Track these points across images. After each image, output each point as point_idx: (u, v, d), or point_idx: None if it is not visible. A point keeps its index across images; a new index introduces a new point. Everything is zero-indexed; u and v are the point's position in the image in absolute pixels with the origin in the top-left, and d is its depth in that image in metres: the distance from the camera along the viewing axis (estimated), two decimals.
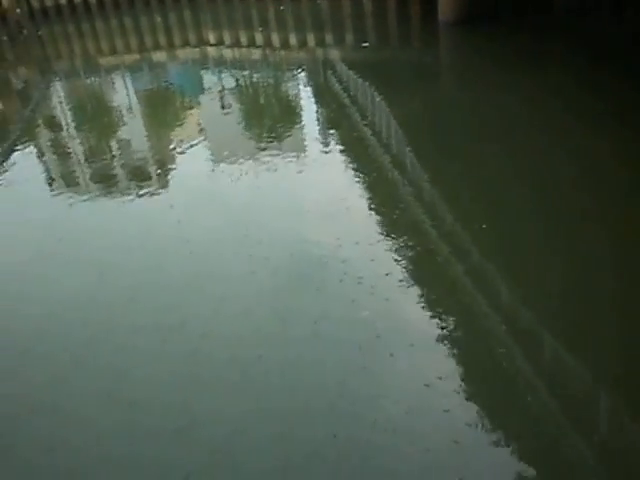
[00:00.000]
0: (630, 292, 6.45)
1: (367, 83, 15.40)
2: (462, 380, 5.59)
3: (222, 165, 11.13)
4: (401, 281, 7.06)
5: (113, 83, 20.51)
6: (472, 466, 4.78)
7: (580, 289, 6.63)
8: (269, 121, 14.45)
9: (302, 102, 15.28)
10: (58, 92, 20.43)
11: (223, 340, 6.49)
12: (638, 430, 5.07)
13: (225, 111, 15.56)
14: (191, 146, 12.53)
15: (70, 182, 11.96)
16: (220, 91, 17.20)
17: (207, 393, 5.79)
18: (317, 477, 4.88)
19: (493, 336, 6.25)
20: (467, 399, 5.39)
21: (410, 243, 7.82)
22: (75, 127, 15.88)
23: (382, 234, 8.15)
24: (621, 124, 10.06)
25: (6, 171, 12.24)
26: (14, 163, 12.75)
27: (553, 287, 6.79)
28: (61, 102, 18.88)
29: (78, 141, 14.69)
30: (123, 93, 19.02)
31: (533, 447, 4.91)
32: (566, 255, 7.25)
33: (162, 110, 16.87)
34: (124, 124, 15.64)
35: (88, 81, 21.71)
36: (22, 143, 14.34)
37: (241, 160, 11.15)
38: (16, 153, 13.47)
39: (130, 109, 16.84)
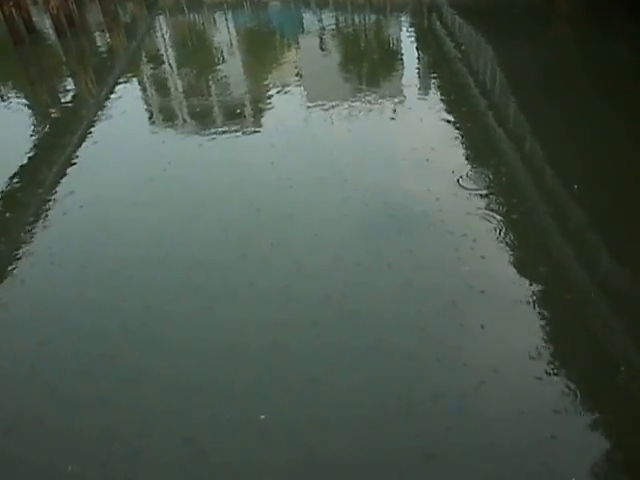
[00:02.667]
0: None
1: (473, 28, 14.73)
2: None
3: (318, 108, 11.04)
4: (496, 238, 6.87)
5: (215, 20, 20.63)
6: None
7: None
8: (368, 65, 14.16)
9: (403, 46, 14.86)
10: (162, 27, 20.81)
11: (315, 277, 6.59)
12: None
13: (324, 53, 15.37)
14: (288, 87, 12.50)
15: (170, 117, 12.26)
16: (320, 33, 16.97)
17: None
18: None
19: (586, 301, 6.00)
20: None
21: (506, 199, 7.55)
22: (176, 63, 16.17)
23: (478, 188, 7.89)
24: None
25: (111, 103, 12.68)
26: (120, 96, 13.18)
27: None
28: (164, 38, 19.25)
29: (178, 77, 14.96)
30: (224, 31, 19.13)
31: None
32: None
33: (261, 49, 16.86)
34: (223, 62, 15.76)
35: (191, 17, 21.95)
36: (126, 77, 14.76)
37: (337, 104, 11.03)
38: (120, 86, 13.90)
39: (230, 47, 16.93)
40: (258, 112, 11.73)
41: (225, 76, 14.43)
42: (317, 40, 16.42)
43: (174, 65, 15.96)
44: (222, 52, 16.54)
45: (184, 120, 12.18)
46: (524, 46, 12.95)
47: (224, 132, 10.68)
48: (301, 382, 5.31)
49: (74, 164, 9.91)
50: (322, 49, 15.62)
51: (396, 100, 11.12)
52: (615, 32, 12.50)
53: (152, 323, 6.19)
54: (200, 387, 5.38)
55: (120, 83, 14.10)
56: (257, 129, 10.77)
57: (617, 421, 4.73)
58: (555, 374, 5.12)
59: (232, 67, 15.24)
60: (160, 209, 8.25)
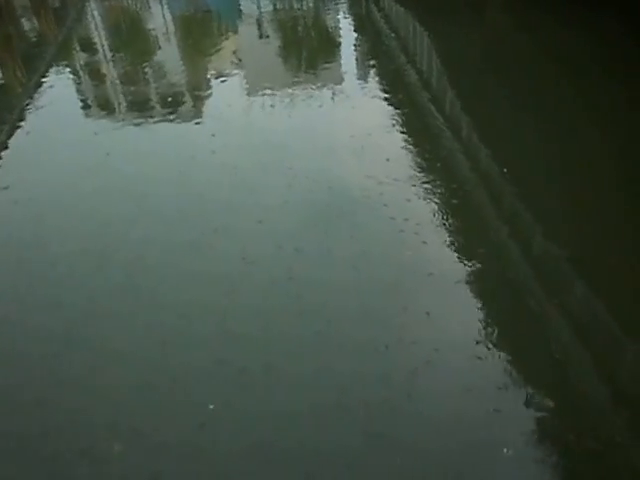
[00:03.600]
0: None
1: (409, 14, 14.90)
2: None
3: (258, 95, 10.99)
4: (437, 222, 7.05)
5: (149, 5, 20.15)
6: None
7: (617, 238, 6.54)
8: (307, 51, 14.16)
9: (341, 33, 14.90)
10: (94, 12, 20.17)
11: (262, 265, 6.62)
12: None
13: (263, 39, 15.27)
14: (228, 74, 12.38)
15: (106, 106, 11.96)
16: (258, 19, 16.83)
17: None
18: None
19: (524, 279, 6.24)
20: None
21: (445, 183, 7.73)
22: (110, 49, 15.74)
23: (418, 172, 8.06)
24: None
25: (42, 92, 12.26)
26: (51, 85, 12.75)
27: (582, 227, 6.72)
28: (96, 23, 18.68)
29: (113, 64, 14.59)
30: (159, 17, 18.71)
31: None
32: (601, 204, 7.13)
33: (199, 36, 16.60)
34: (160, 49, 15.45)
35: (124, 2, 21.37)
36: (57, 64, 14.29)
37: (278, 91, 11.01)
38: (51, 73, 13.44)
39: (166, 34, 16.60)
40: (198, 100, 11.58)
41: (162, 63, 14.16)
42: (256, 26, 16.30)
43: (108, 52, 15.53)
44: (158, 39, 16.21)
45: (121, 109, 11.91)
46: (460, 32, 13.20)
47: (163, 121, 10.51)
48: (249, 370, 5.34)
49: (5, 157, 9.57)
50: (261, 35, 15.52)
51: (336, 87, 11.18)
52: (549, 19, 12.87)
53: (95, 322, 6.07)
54: (140, 385, 5.34)
55: (51, 71, 13.64)
56: (197, 118, 10.63)
57: (552, 393, 4.95)
58: (498, 351, 5.30)
59: (169, 54, 14.96)
60: (100, 202, 8.07)
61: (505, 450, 4.49)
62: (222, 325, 5.82)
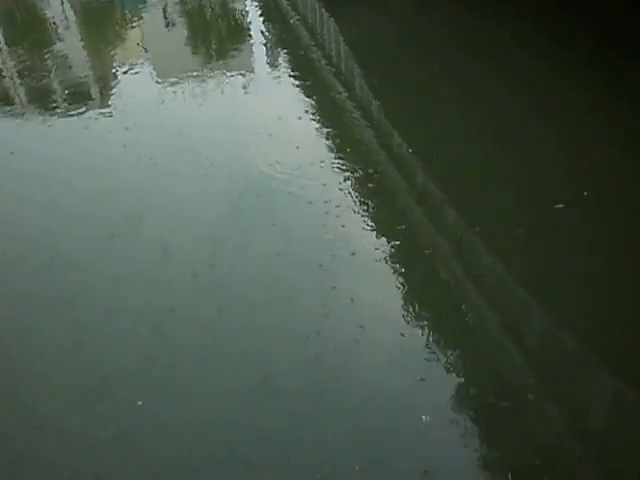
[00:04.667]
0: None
1: (315, 1, 15.00)
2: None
3: (168, 85, 10.84)
4: (355, 204, 7.24)
5: None
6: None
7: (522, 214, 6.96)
8: (216, 39, 14.03)
9: (249, 20, 14.84)
10: None
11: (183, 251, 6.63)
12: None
13: (169, 27, 14.98)
14: (135, 64, 12.09)
15: (5, 101, 11.42)
16: (164, 5, 16.45)
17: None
18: None
19: (441, 255, 6.56)
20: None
21: (358, 166, 7.94)
22: (5, 39, 14.97)
23: (332, 155, 8.23)
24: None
25: None
26: None
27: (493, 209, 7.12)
28: None
29: (9, 56, 13.90)
30: (57, 4, 17.92)
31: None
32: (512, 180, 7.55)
33: (102, 25, 16.08)
34: (61, 39, 14.86)
35: None
36: None
37: (188, 80, 10.89)
38: None
39: (66, 22, 15.96)
40: (106, 93, 11.26)
41: (64, 54, 13.64)
42: (161, 14, 15.93)
43: (2, 42, 14.77)
44: (58, 28, 15.56)
45: (22, 105, 11.41)
46: (365, 17, 13.43)
47: (70, 116, 10.18)
48: (177, 366, 5.38)
49: None
50: (167, 24, 15.21)
51: (246, 74, 11.17)
52: (448, 2, 13.29)
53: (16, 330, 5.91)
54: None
55: None
56: (106, 111, 10.36)
57: (471, 359, 5.27)
58: (423, 323, 5.58)
59: (71, 44, 14.42)
60: (7, 205, 7.78)
61: (424, 417, 4.74)
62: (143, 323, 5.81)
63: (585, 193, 6.92)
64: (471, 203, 7.16)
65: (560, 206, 6.72)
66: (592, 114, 8.45)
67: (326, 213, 7.06)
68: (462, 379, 5.10)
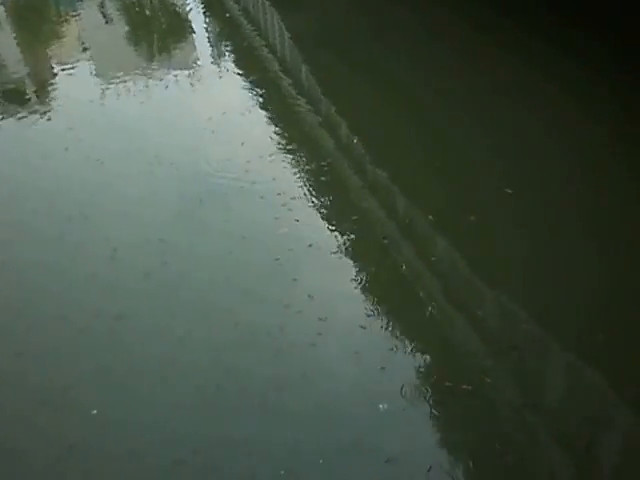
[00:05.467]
0: None
1: None
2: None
3: (110, 83, 10.55)
4: (308, 196, 7.21)
5: None
6: None
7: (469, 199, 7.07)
8: (157, 34, 13.73)
9: (191, 13, 14.55)
10: None
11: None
12: None
13: (108, 24, 14.57)
14: (75, 63, 11.72)
15: None
16: (100, 2, 15.98)
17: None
18: None
19: (397, 243, 6.60)
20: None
21: (308, 158, 7.92)
22: None
23: (281, 149, 8.18)
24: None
25: None
26: None
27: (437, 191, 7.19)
28: None
29: None
30: None
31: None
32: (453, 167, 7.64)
33: (36, 22, 15.49)
34: None
35: None
36: None
37: (131, 77, 10.65)
38: None
39: None
40: (44, 92, 10.89)
41: None
42: (98, 10, 15.48)
43: None
44: None
45: None
46: (308, 8, 13.37)
47: (7, 117, 9.80)
48: (138, 370, 5.28)
49: None
50: (106, 20, 14.80)
51: (190, 69, 10.99)
52: None
53: None
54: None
55: None
56: (46, 111, 10.02)
57: (429, 346, 5.34)
58: (383, 313, 5.61)
59: (4, 43, 13.86)
60: None
61: (381, 406, 4.79)
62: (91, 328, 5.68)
63: (534, 177, 7.09)
64: (422, 190, 7.24)
65: (509, 191, 6.85)
66: (542, 88, 8.61)
67: (279, 207, 7.02)
68: (422, 365, 5.16)
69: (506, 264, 6.08)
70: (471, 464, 4.48)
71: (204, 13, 14.44)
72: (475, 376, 5.03)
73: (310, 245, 6.41)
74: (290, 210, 6.96)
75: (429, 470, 4.37)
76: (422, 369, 5.14)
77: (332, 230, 6.67)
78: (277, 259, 6.26)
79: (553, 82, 8.63)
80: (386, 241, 6.57)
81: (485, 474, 4.49)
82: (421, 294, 5.93)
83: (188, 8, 14.93)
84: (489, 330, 5.58)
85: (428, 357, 5.24)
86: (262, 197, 7.20)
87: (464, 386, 4.89)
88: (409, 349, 5.30)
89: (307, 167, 7.76)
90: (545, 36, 9.55)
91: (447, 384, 4.95)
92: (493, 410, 4.86)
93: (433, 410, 4.78)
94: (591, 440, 4.63)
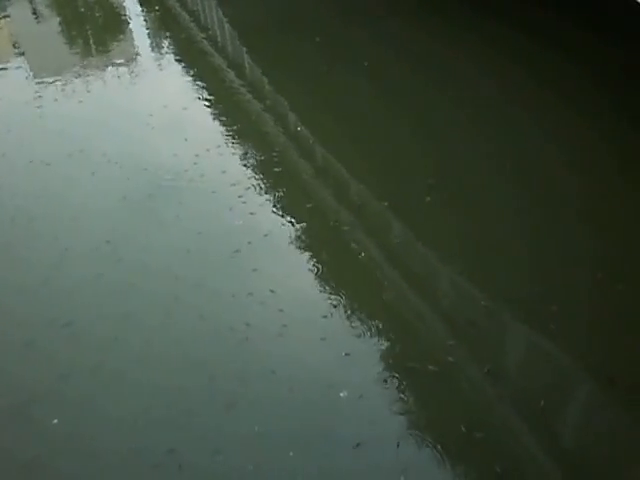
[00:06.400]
0: None
1: None
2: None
3: (48, 82, 10.20)
4: (260, 188, 7.15)
5: None
6: None
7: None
8: (93, 29, 13.32)
9: (126, 6, 14.17)
10: None
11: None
12: None
13: (39, 21, 14.06)
14: (7, 62, 11.28)
15: None
16: None
17: None
18: None
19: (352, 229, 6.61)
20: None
21: (257, 148, 7.84)
22: None
23: (227, 140, 8.08)
24: None
25: None
26: None
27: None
28: None
29: None
30: None
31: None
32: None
33: None
34: None
35: None
36: None
37: (67, 75, 10.32)
38: None
39: None
40: None
41: None
42: (28, 6, 14.91)
43: None
44: None
45: None
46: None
47: None
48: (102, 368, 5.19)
49: None
50: (36, 16, 14.26)
51: (129, 64, 10.74)
52: None
53: None
54: None
55: None
56: None
57: (391, 329, 5.39)
58: (344, 302, 5.62)
59: None
60: None
61: (342, 394, 4.81)
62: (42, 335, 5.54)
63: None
64: (374, 175, 7.26)
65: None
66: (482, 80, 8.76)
67: (231, 199, 6.94)
68: (386, 349, 5.20)
69: (462, 244, 6.16)
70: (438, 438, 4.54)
71: (140, 5, 14.09)
72: (439, 356, 5.08)
73: (266, 235, 6.39)
74: (244, 203, 6.89)
75: (398, 446, 4.46)
76: (387, 351, 5.17)
77: (287, 219, 6.64)
78: (237, 251, 6.21)
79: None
80: (344, 227, 6.55)
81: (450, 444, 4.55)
82: (379, 277, 5.96)
83: (123, 1, 14.55)
84: (447, 309, 5.65)
85: (392, 340, 5.27)
86: (214, 192, 7.10)
87: (430, 366, 4.96)
88: (372, 331, 5.33)
89: (257, 157, 7.69)
90: None
91: (411, 364, 5.01)
92: (458, 388, 4.94)
93: (401, 393, 4.83)
94: (548, 405, 4.74)
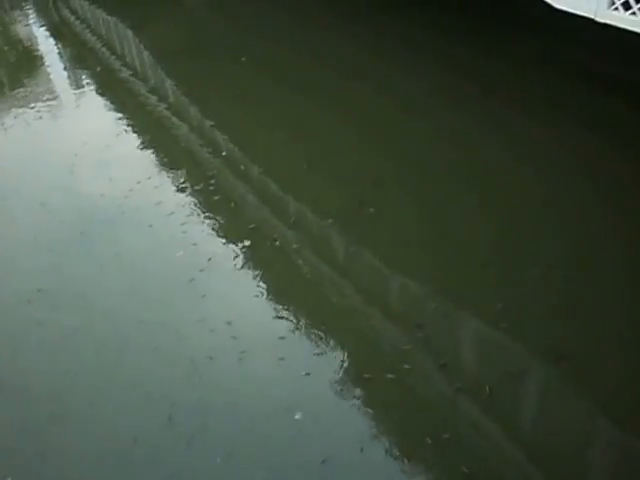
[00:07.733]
0: None
1: (107, 12, 14.29)
2: None
3: None
4: (197, 214, 7.07)
5: None
6: None
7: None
8: (5, 69, 12.88)
9: (40, 42, 13.74)
10: None
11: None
12: None
13: None
14: None
15: None
16: None
17: None
18: None
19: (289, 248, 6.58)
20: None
21: (190, 175, 7.75)
22: None
23: (162, 170, 7.96)
24: None
25: None
26: None
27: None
28: None
29: None
30: None
31: None
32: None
33: None
34: None
35: None
36: None
37: None
38: None
39: None
40: None
41: None
42: None
43: None
44: None
45: None
46: (163, 21, 13.07)
47: None
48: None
49: None
50: None
51: (48, 102, 10.39)
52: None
53: None
54: None
55: None
56: None
57: (346, 342, 5.39)
58: (299, 315, 5.63)
59: None
60: None
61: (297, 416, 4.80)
62: None
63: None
64: (308, 191, 7.26)
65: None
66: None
67: (170, 230, 6.81)
68: (343, 360, 5.19)
69: (407, 249, 6.23)
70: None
71: (54, 41, 13.71)
72: (396, 364, 5.09)
73: (210, 259, 6.32)
74: (184, 233, 6.77)
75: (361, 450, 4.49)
76: (345, 365, 5.16)
77: (229, 243, 6.56)
78: (192, 279, 6.12)
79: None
80: (278, 243, 6.52)
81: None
82: (327, 291, 5.95)
83: (36, 38, 14.14)
84: (399, 315, 5.69)
85: (348, 353, 5.26)
86: (151, 225, 6.95)
87: (387, 374, 4.98)
88: (328, 348, 5.32)
89: (190, 183, 7.59)
90: None
91: (367, 375, 5.04)
92: (418, 391, 4.97)
93: (362, 404, 4.84)
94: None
